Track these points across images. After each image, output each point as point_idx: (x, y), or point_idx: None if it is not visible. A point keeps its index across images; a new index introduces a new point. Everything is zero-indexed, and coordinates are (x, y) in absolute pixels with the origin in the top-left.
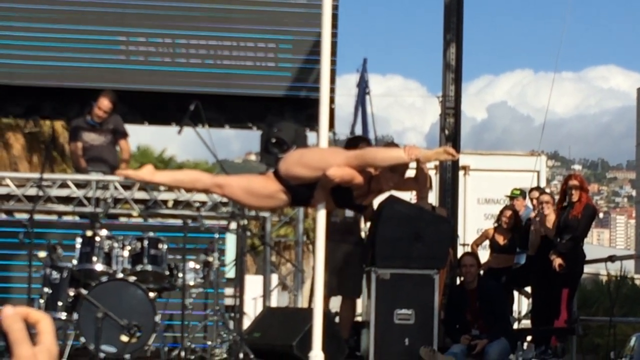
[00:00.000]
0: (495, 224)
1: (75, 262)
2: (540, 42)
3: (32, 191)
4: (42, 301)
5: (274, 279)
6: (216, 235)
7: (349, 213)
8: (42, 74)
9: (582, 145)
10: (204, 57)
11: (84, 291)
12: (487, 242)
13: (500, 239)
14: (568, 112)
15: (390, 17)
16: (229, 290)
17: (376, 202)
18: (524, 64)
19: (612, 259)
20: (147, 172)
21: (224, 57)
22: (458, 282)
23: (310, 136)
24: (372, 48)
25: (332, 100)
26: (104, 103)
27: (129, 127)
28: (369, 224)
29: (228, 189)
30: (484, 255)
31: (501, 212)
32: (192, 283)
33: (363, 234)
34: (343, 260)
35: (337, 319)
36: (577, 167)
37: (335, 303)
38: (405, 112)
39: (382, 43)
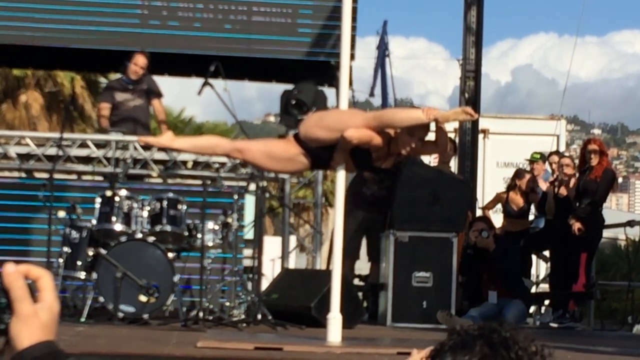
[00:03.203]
0: (510, 186)
1: (94, 222)
2: (564, 5)
3: (51, 151)
4: (61, 261)
5: (292, 240)
6: (235, 197)
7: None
8: (61, 37)
9: (606, 109)
10: (223, 22)
11: (103, 251)
12: (499, 206)
13: (514, 203)
14: (592, 77)
15: None
16: (247, 252)
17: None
18: (548, 27)
19: (631, 223)
20: (167, 139)
21: (243, 22)
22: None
23: (330, 95)
24: (396, 9)
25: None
26: (140, 59)
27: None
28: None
29: (248, 154)
30: (497, 219)
31: (514, 175)
32: (210, 244)
33: None
34: (370, 227)
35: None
36: (596, 131)
37: (360, 266)
38: (427, 75)
39: (407, 5)
